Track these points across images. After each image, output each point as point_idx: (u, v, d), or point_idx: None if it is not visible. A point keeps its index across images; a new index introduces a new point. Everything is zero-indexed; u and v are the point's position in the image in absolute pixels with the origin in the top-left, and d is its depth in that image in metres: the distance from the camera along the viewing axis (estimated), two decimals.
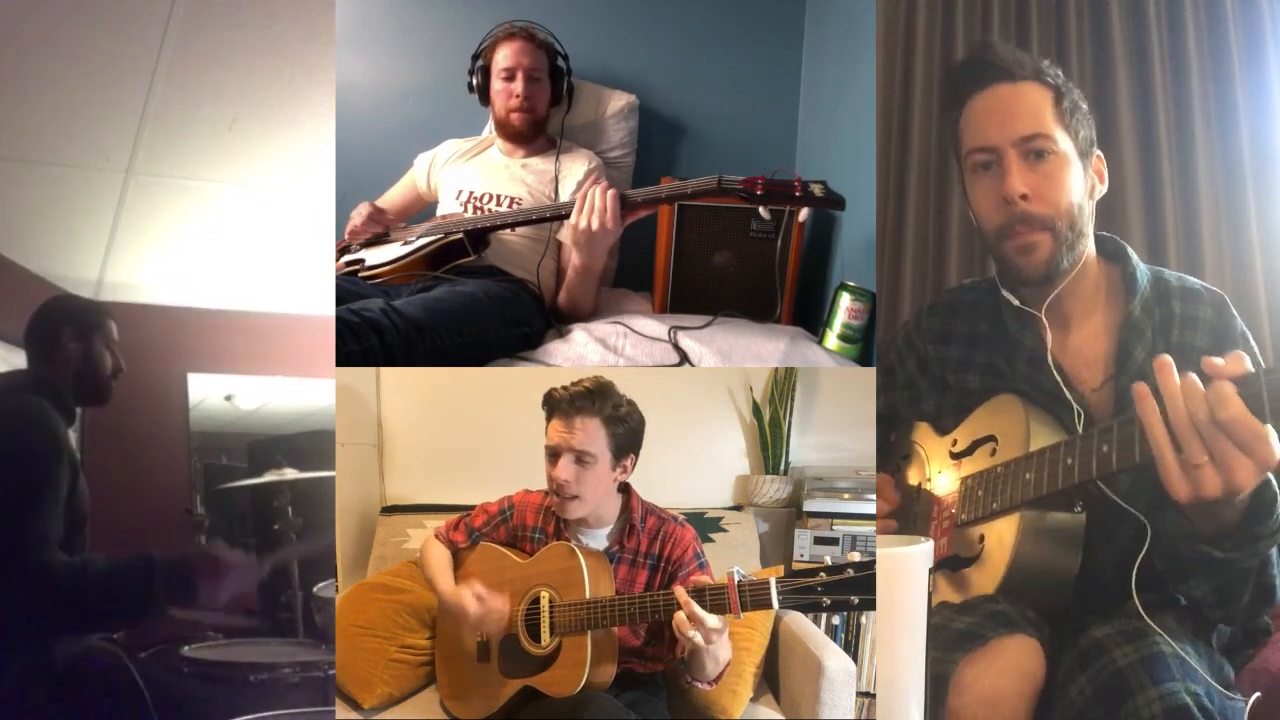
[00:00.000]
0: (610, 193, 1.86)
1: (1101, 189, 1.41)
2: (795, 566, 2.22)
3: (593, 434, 1.51)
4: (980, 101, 1.39)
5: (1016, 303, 1.43)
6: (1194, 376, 1.06)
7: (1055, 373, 1.37)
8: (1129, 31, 2.18)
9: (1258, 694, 1.23)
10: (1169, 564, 1.24)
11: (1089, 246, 1.40)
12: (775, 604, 1.25)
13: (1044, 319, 1.40)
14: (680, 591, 1.32)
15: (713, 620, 1.30)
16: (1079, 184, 1.36)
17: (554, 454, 1.52)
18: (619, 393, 1.56)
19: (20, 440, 1.66)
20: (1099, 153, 1.41)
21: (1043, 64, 1.39)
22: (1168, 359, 1.08)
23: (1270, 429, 1.02)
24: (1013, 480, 1.33)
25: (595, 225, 1.86)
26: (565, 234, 2.13)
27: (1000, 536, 1.33)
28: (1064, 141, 1.35)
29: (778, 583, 1.26)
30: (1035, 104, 1.35)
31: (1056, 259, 1.36)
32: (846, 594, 1.21)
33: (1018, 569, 1.30)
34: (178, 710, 1.70)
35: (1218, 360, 1.06)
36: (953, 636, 1.26)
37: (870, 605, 1.19)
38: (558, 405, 1.53)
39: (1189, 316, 1.36)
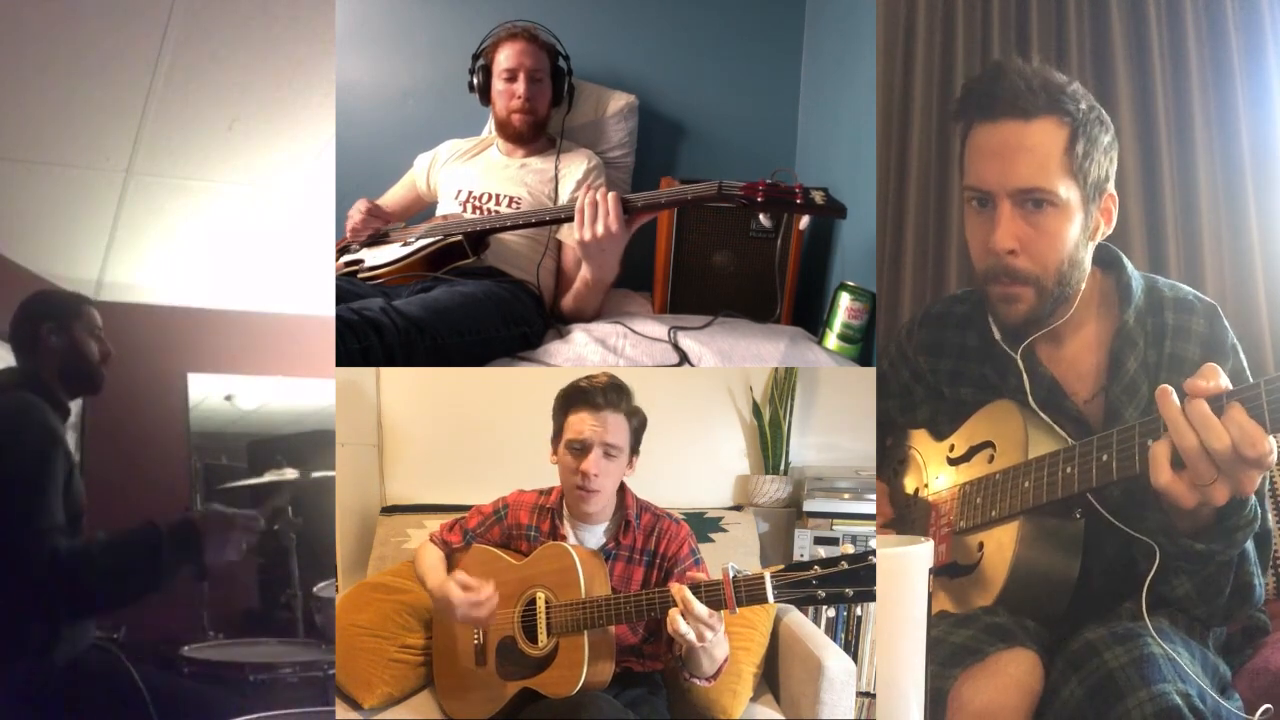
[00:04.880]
0: (611, 195, 1.85)
1: (1106, 230, 1.36)
2: None
3: (619, 428, 1.53)
4: (987, 133, 1.30)
5: (998, 336, 1.42)
6: (1205, 405, 1.07)
7: (1044, 400, 1.37)
8: (1129, 31, 2.17)
9: (1268, 706, 1.22)
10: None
11: (1081, 285, 1.37)
12: (770, 598, 1.25)
13: (1020, 360, 1.38)
14: (676, 586, 1.31)
15: (702, 610, 1.28)
16: (1075, 236, 1.31)
17: (583, 447, 1.52)
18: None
19: (15, 436, 1.65)
20: (1112, 191, 1.34)
21: (1066, 90, 1.27)
22: (1168, 389, 1.09)
23: (1271, 439, 1.04)
24: (1011, 488, 1.32)
25: (600, 231, 1.83)
26: (566, 235, 2.13)
27: (1000, 544, 1.33)
28: (1067, 192, 1.28)
29: (772, 577, 1.26)
30: (1043, 150, 1.26)
31: (1036, 313, 1.34)
32: (841, 586, 1.21)
33: (1017, 577, 1.30)
34: (178, 710, 1.69)
35: (1201, 383, 1.07)
36: (951, 651, 1.25)
37: (865, 597, 1.19)
38: (587, 398, 1.53)
39: (1181, 327, 1.35)
